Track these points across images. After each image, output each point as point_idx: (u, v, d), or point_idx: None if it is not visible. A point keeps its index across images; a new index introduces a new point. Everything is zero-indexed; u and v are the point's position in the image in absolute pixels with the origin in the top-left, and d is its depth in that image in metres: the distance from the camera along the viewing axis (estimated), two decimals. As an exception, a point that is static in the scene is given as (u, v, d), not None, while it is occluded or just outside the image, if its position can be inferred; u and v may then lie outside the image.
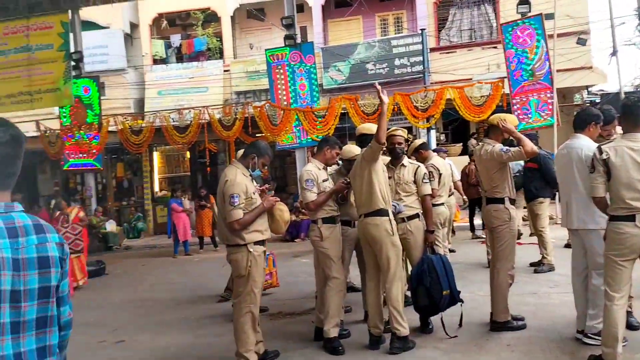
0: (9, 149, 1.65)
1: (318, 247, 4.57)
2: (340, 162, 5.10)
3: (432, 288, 4.40)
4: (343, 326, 4.78)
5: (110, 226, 13.97)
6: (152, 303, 7.16)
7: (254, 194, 4.05)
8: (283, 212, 4.17)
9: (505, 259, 4.55)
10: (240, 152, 4.69)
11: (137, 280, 8.91)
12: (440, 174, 5.92)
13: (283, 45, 10.54)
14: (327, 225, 4.53)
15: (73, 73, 10.40)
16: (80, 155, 12.50)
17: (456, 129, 14.96)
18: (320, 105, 10.79)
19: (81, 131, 12.03)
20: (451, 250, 8.04)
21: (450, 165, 9.87)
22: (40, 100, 10.25)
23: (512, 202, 4.58)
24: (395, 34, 15.18)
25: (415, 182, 4.77)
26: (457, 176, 10.01)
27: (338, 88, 14.09)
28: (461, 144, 14.69)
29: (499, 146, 4.44)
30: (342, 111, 10.44)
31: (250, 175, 4.16)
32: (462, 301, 4.57)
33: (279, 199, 4.16)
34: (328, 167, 4.85)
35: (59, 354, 1.70)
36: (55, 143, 12.48)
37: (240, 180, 3.99)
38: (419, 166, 4.86)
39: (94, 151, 12.41)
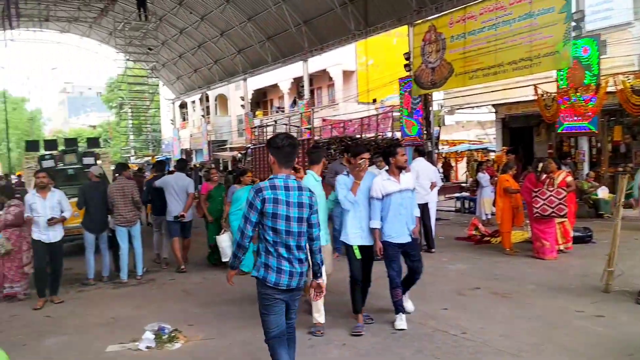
0: (291, 149, 3.40)
1: None
2: None
3: None
4: None
5: (602, 193, 13.25)
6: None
7: None
8: None
9: None
10: None
11: (625, 255, 8.20)
12: None
13: None
14: None
15: (573, 34, 10.24)
16: (575, 118, 12.30)
17: None
18: None
19: (577, 93, 11.81)
20: None
21: None
22: (539, 64, 10.61)
23: None
24: None
25: None
26: None
27: None
28: None
29: None
30: None
31: None
32: None
33: None
34: None
35: (308, 252, 3.48)
36: (551, 106, 12.73)
37: None
38: None
39: (590, 114, 11.97)
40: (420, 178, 8.61)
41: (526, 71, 10.84)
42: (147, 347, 4.90)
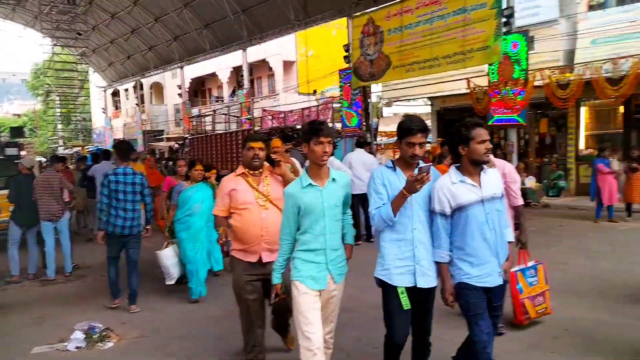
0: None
1: None
2: None
3: None
4: None
5: (530, 182, 13.97)
6: (564, 267, 6.88)
7: None
8: None
9: None
10: None
11: (552, 241, 8.68)
12: None
13: None
14: None
15: (503, 29, 10.62)
16: (505, 111, 12.81)
17: None
18: None
19: (507, 87, 12.30)
20: None
21: None
22: (471, 58, 10.94)
23: None
24: None
25: None
26: None
27: None
28: None
29: None
30: None
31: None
32: None
33: None
34: None
35: None
36: (482, 99, 13.21)
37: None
38: None
39: (518, 107, 12.50)
40: (358, 169, 8.84)
41: (459, 65, 11.16)
42: (77, 347, 4.69)
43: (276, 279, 3.19)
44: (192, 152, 17.85)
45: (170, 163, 16.24)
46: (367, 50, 13.02)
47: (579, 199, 13.92)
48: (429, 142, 20.16)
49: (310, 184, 3.08)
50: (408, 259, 3.07)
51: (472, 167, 3.08)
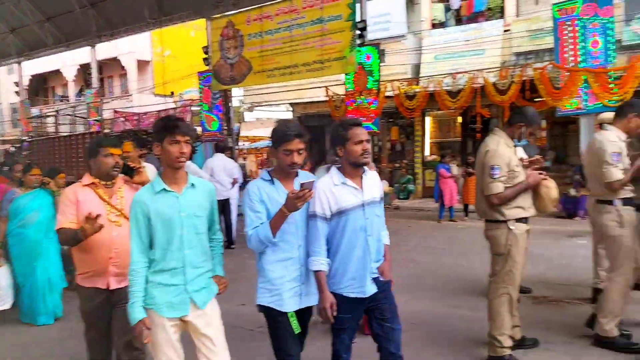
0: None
1: (613, 233, 3.98)
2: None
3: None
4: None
5: (383, 186, 14.86)
6: (413, 265, 7.40)
7: (517, 166, 3.69)
8: (550, 189, 3.68)
9: None
10: None
11: (402, 241, 9.31)
12: None
13: (574, -3, 9.25)
14: (628, 207, 3.95)
15: (358, 41, 11.17)
16: (361, 118, 13.48)
17: None
18: (617, 65, 9.21)
19: (362, 96, 12.96)
20: None
21: None
22: (329, 67, 11.35)
23: None
24: None
25: None
26: None
27: (643, 44, 11.82)
28: None
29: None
30: (646, 71, 8.73)
31: (515, 145, 3.81)
32: None
33: (545, 174, 3.70)
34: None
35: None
36: (340, 107, 13.76)
37: (502, 151, 3.68)
38: None
39: (372, 115, 13.23)
40: (219, 174, 8.70)
41: (318, 73, 11.51)
42: None
43: (137, 313, 2.56)
44: (32, 156, 16.11)
45: (6, 168, 14.45)
46: (227, 53, 12.84)
47: (425, 201, 15.15)
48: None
49: (164, 189, 2.63)
50: (296, 280, 2.78)
51: (352, 169, 2.84)
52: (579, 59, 9.19)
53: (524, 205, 3.71)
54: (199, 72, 14.41)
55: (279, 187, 2.77)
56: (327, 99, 13.90)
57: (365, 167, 2.89)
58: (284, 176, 2.80)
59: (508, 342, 3.79)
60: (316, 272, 2.76)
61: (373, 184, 2.92)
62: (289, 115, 20.49)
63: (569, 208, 11.11)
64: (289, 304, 2.76)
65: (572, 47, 9.28)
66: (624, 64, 9.56)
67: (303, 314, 2.86)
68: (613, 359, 3.85)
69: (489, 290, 3.91)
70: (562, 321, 4.69)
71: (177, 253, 2.62)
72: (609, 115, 4.83)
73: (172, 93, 23.26)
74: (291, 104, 18.81)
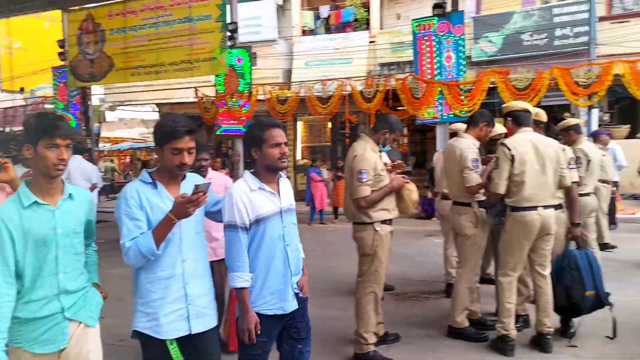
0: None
1: (468, 233, 4.30)
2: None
3: (572, 287, 4.02)
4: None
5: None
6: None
7: (382, 171, 3.89)
8: (412, 192, 3.93)
9: None
10: None
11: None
12: (589, 161, 5.18)
13: (432, 15, 10.05)
14: (482, 210, 4.31)
15: (228, 43, 11.01)
16: (232, 121, 13.32)
17: (623, 108, 13.23)
18: (467, 78, 10.18)
19: (233, 99, 12.81)
20: (611, 246, 7.19)
21: (614, 150, 8.76)
22: (198, 68, 11.02)
23: None
24: (559, 1, 13.66)
25: None
26: (623, 162, 8.85)
27: (487, 61, 13.22)
28: (629, 125, 12.98)
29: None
30: (491, 85, 9.75)
31: (380, 151, 4.00)
32: (611, 305, 4.04)
33: (407, 178, 3.95)
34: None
35: None
36: (210, 109, 13.46)
37: (369, 156, 3.85)
38: (564, 149, 4.21)
39: (244, 118, 13.15)
40: (75, 179, 7.99)
41: (187, 73, 11.13)
42: None
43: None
44: None
45: None
46: (86, 48, 11.91)
47: (297, 205, 15.34)
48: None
49: (36, 201, 2.18)
50: (178, 301, 2.34)
51: (268, 173, 2.58)
52: (435, 72, 9.99)
53: (389, 208, 3.90)
54: (53, 68, 13.23)
55: (162, 192, 2.38)
56: (196, 100, 13.52)
57: (281, 172, 2.68)
58: (168, 179, 2.42)
59: (373, 339, 3.95)
60: (238, 289, 2.47)
61: (288, 189, 2.71)
62: (155, 116, 19.61)
63: (427, 209, 11.98)
64: (169, 331, 2.33)
65: (429, 60, 10.06)
66: (473, 78, 10.57)
67: (196, 340, 2.40)
68: (464, 346, 4.20)
69: (356, 290, 4.06)
70: (421, 315, 5.03)
71: (50, 279, 2.18)
72: (460, 125, 5.27)
73: (22, 89, 21.03)
74: (157, 104, 17.99)
